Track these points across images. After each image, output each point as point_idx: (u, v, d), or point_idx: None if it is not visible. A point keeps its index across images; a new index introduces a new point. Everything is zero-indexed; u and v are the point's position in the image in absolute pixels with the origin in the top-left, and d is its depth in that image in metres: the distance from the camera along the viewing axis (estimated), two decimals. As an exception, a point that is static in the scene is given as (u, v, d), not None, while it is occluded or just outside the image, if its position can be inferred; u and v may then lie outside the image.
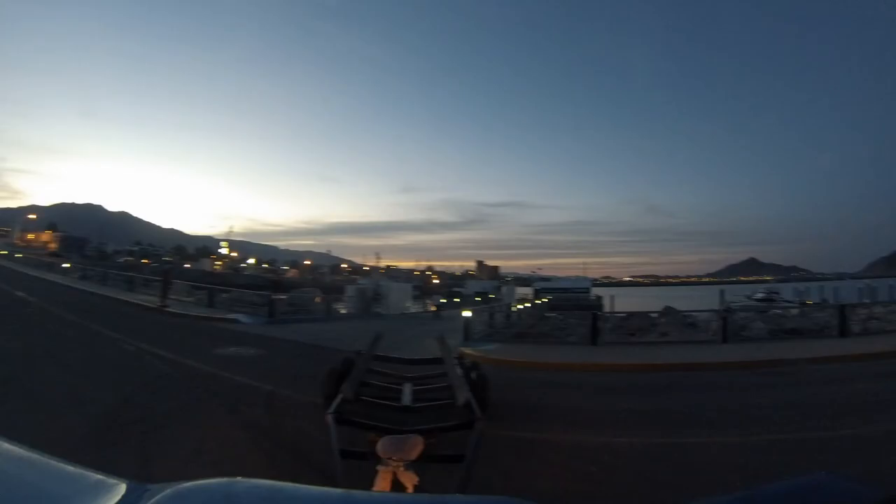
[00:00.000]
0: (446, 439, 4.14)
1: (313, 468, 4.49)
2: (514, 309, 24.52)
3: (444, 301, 36.74)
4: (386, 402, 5.54)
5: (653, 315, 18.79)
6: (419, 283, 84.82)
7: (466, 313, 15.92)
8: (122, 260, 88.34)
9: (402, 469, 2.57)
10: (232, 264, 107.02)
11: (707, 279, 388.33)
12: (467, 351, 11.24)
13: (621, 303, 43.45)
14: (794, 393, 7.99)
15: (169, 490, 0.87)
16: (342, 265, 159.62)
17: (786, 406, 6.88)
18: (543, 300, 41.78)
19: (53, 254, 69.79)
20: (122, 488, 0.88)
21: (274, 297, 20.07)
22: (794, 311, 20.49)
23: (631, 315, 18.80)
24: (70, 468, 0.97)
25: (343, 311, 25.68)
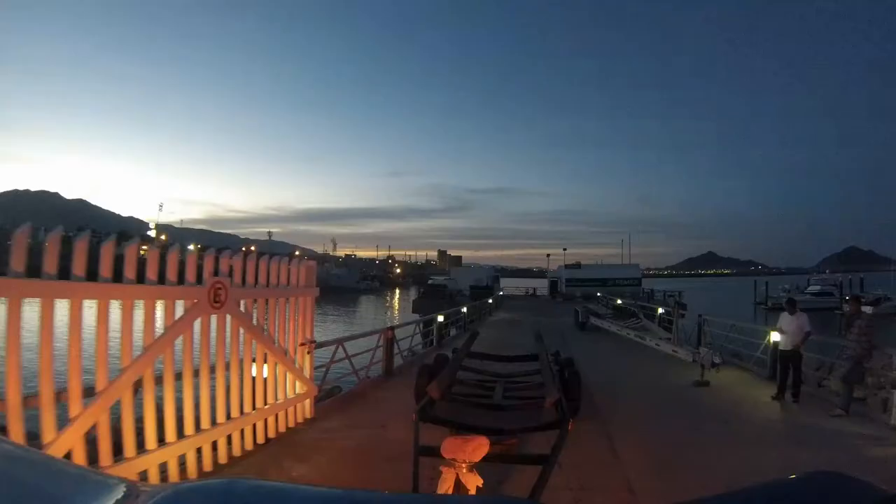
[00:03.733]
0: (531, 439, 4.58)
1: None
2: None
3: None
4: (476, 399, 5.59)
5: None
6: (376, 273, 77.42)
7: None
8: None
9: (465, 470, 2.63)
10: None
11: (667, 272, 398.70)
12: None
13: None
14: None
15: (169, 490, 0.85)
16: (295, 252, 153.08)
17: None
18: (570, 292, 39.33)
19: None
20: (122, 488, 0.86)
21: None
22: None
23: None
24: (70, 468, 1.01)
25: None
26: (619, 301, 25.40)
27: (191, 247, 5.46)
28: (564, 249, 59.62)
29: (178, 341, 4.20)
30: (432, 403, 4.38)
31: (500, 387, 6.17)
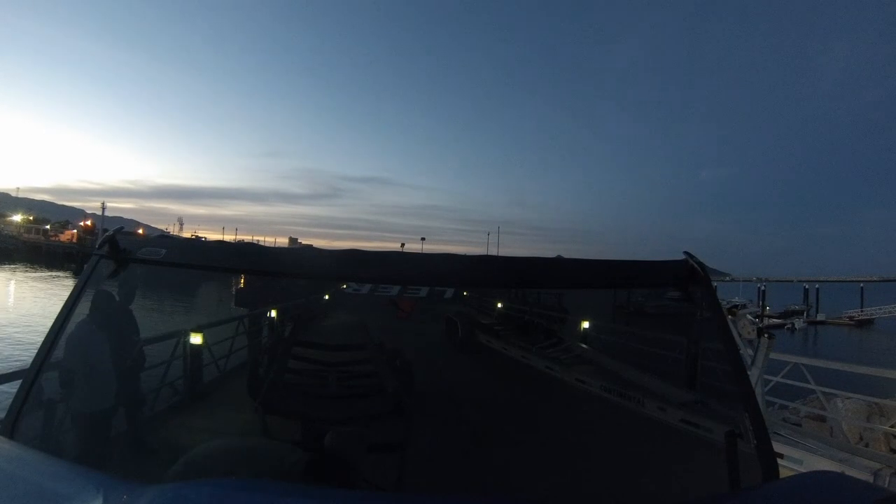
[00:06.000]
0: (376, 429, 3.97)
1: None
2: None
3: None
4: (311, 389, 7.03)
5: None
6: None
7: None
8: None
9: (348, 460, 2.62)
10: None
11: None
12: None
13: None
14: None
15: (169, 490, 0.86)
16: (138, 230, 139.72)
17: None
18: None
19: None
20: (122, 488, 0.87)
21: None
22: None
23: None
24: (70, 468, 0.98)
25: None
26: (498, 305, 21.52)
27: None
28: (423, 239, 55.95)
29: None
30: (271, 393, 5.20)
31: (334, 376, 7.96)
